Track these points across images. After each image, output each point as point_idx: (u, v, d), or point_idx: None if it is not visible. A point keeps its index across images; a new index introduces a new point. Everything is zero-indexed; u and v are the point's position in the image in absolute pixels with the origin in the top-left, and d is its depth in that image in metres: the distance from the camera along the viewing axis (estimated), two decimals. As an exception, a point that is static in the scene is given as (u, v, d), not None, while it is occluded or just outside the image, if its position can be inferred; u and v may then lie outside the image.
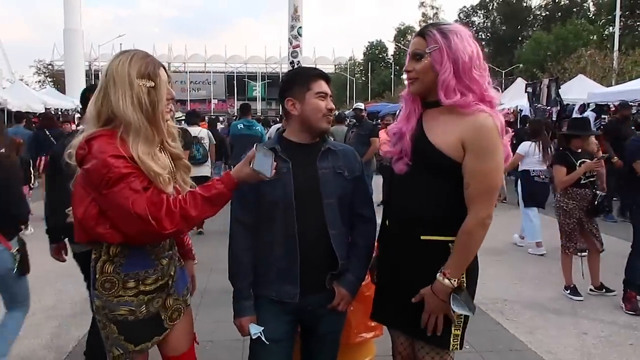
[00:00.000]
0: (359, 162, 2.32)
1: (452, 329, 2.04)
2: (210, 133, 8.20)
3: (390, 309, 2.22)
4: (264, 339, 2.14)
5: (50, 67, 57.62)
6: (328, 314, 2.25)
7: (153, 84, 1.95)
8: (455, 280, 1.96)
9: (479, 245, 2.01)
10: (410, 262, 2.11)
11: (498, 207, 9.98)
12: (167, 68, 2.06)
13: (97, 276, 2.03)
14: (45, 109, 19.55)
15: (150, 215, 1.82)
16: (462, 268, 2.00)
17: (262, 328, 2.15)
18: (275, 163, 1.98)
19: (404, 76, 2.16)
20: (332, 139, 2.41)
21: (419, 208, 2.07)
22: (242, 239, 2.20)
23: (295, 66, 4.85)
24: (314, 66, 2.33)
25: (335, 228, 2.19)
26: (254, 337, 2.15)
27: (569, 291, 5.19)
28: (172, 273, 2.16)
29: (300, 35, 4.85)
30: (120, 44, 49.47)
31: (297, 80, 2.24)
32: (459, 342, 2.06)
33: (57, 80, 44.57)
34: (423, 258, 2.08)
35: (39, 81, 55.22)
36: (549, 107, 14.69)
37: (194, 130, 7.69)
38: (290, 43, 4.77)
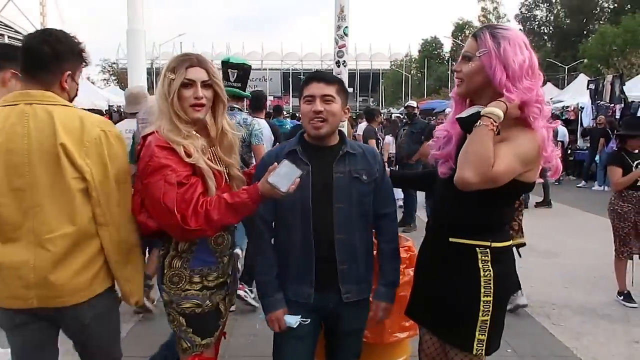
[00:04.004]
0: (379, 163, 2.32)
1: (477, 333, 2.04)
2: None
3: (422, 308, 2.26)
4: (304, 322, 2.19)
5: (114, 65, 60.09)
6: (349, 313, 2.28)
7: (173, 76, 2.05)
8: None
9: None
10: (440, 264, 2.15)
11: (553, 210, 9.76)
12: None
13: (164, 271, 2.14)
14: (109, 106, 20.56)
15: (177, 209, 1.90)
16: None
17: (300, 315, 2.19)
18: (298, 180, 1.97)
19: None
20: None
21: (450, 212, 2.11)
22: (266, 233, 2.27)
23: (341, 66, 4.92)
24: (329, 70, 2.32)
25: (342, 233, 2.20)
26: (295, 326, 2.18)
27: (622, 297, 4.99)
28: (230, 272, 2.28)
29: (346, 35, 4.84)
30: (181, 42, 50.86)
31: (300, 89, 2.28)
32: (483, 348, 2.05)
33: (121, 78, 46.44)
34: (451, 260, 2.10)
35: (104, 79, 57.90)
36: (612, 105, 14.11)
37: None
38: (336, 43, 4.78)
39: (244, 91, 4.21)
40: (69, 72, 2.04)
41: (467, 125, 1.92)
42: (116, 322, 2.27)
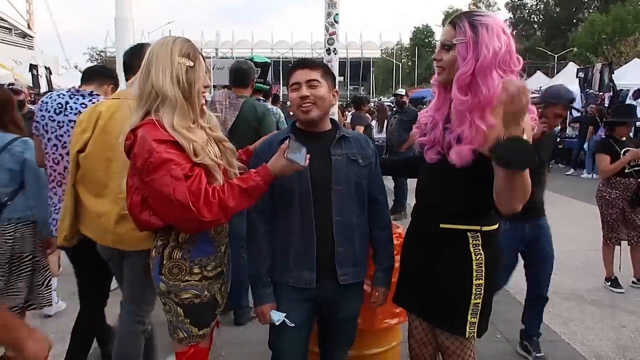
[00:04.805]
0: (371, 149, 2.34)
1: (468, 316, 2.06)
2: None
3: (410, 294, 2.27)
4: (289, 323, 2.17)
5: (102, 54, 59.47)
6: (345, 300, 2.28)
7: (192, 64, 2.03)
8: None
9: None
10: (431, 250, 2.15)
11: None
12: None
13: (164, 262, 2.10)
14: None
15: (191, 202, 1.87)
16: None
17: (285, 314, 2.18)
18: (308, 155, 2.01)
19: (434, 64, 2.13)
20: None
21: (440, 197, 2.11)
22: (259, 225, 2.24)
23: (332, 53, 4.92)
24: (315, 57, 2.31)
25: (341, 215, 2.19)
26: (277, 324, 2.18)
27: (609, 283, 5.07)
28: (226, 261, 2.27)
29: (337, 22, 4.82)
30: (170, 30, 50.40)
31: (287, 78, 2.27)
32: (475, 330, 2.07)
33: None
34: (441, 246, 2.11)
35: (92, 68, 57.42)
36: (601, 93, 14.20)
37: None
38: (327, 30, 4.75)
39: (264, 85, 4.81)
40: None
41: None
42: None
